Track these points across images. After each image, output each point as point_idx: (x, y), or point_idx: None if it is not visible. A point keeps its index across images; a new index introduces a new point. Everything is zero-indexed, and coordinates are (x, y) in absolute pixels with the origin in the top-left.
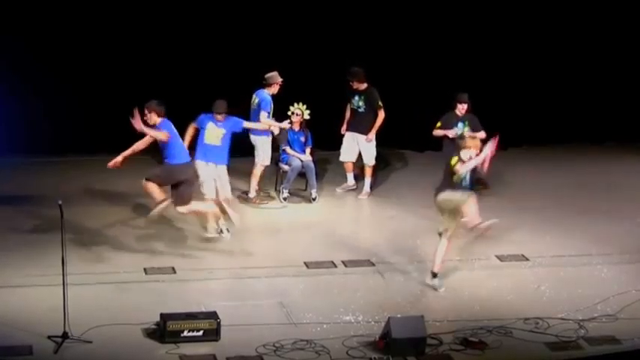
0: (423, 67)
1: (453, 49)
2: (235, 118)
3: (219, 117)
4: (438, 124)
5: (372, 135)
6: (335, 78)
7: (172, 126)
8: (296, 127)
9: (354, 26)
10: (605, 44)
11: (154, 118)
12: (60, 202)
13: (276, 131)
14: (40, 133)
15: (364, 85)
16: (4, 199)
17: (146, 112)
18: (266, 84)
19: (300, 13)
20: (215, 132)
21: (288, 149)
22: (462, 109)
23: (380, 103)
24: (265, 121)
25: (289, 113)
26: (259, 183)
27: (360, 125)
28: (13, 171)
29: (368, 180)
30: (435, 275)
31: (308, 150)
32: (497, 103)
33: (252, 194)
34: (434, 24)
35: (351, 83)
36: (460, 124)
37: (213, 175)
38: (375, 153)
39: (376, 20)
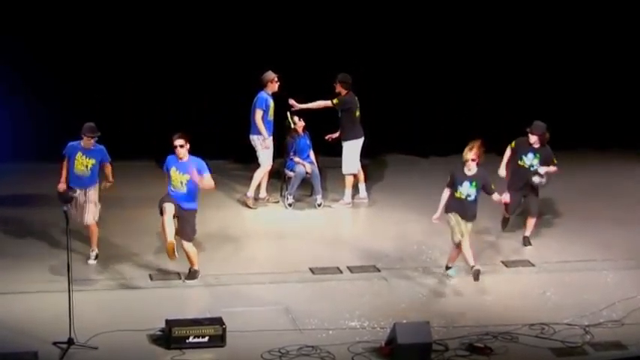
0: (425, 73)
1: (455, 55)
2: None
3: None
4: (512, 144)
5: (335, 135)
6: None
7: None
8: (301, 132)
9: (357, 31)
10: (609, 50)
11: (184, 152)
12: (65, 209)
13: (265, 144)
14: (43, 137)
15: (345, 92)
16: (9, 205)
17: (182, 142)
18: (263, 85)
19: (304, 19)
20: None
21: (296, 159)
22: (533, 140)
23: (335, 100)
24: (259, 121)
25: (292, 125)
26: (268, 187)
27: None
28: (17, 176)
29: (345, 190)
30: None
31: (312, 153)
32: (501, 110)
33: (249, 194)
34: (434, 29)
35: (337, 88)
36: (530, 155)
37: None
38: (347, 162)
39: (378, 24)
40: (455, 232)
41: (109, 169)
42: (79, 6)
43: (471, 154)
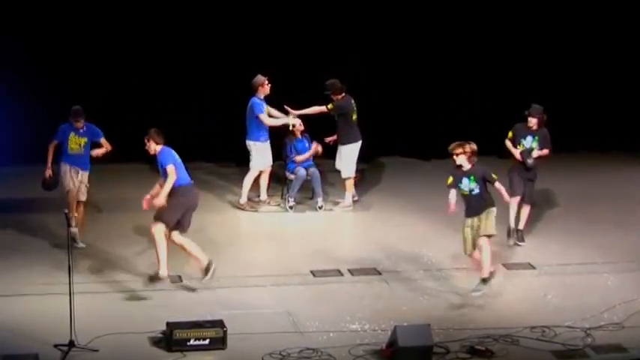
0: (425, 74)
1: (455, 55)
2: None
3: (79, 124)
4: (510, 135)
5: (332, 138)
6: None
7: (173, 152)
8: (298, 135)
9: (357, 31)
10: (609, 53)
11: (152, 147)
12: (66, 211)
13: (292, 121)
14: (43, 139)
15: (340, 96)
16: (10, 208)
17: (145, 140)
18: (254, 90)
19: (304, 19)
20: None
21: (298, 159)
22: (533, 122)
23: (330, 105)
24: (269, 120)
25: (290, 127)
26: (268, 189)
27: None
28: (18, 179)
29: (346, 193)
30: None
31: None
32: (502, 111)
33: (242, 200)
34: (433, 29)
35: (331, 96)
36: (529, 138)
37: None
38: (346, 166)
39: (378, 25)
40: (464, 244)
41: (105, 143)
42: (79, 6)
43: (458, 148)
